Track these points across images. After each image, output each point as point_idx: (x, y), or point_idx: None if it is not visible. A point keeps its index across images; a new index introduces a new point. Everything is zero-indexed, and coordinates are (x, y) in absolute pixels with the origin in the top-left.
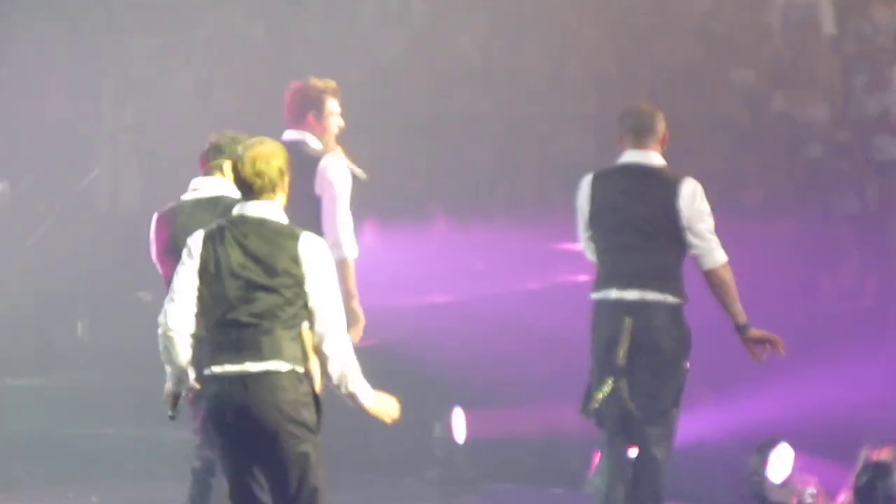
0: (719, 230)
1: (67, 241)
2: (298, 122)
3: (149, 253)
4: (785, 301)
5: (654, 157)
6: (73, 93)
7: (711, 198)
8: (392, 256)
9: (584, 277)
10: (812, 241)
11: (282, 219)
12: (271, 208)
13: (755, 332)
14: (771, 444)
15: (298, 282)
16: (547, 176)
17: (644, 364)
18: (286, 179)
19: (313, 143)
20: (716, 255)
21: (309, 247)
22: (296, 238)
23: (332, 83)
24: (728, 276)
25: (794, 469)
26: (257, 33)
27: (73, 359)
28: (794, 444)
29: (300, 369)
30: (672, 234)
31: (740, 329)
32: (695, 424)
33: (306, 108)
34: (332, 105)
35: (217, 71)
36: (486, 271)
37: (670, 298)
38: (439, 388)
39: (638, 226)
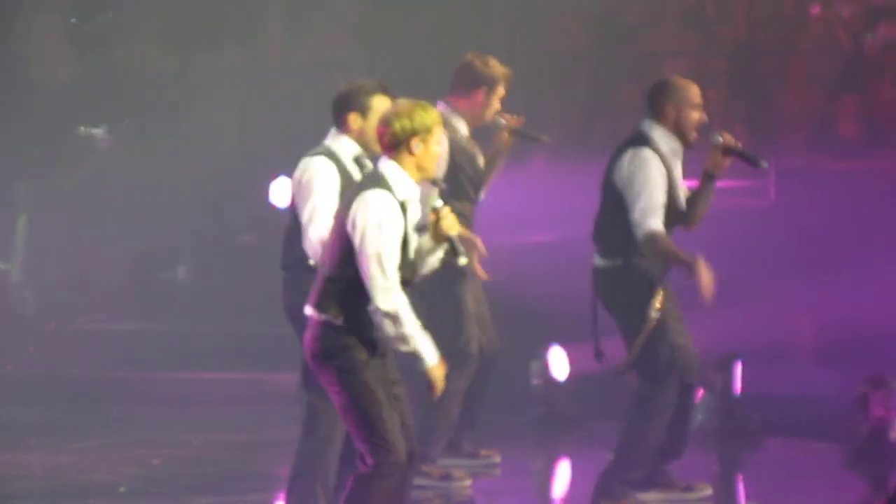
0: (818, 165)
1: (167, 186)
2: (462, 93)
3: (252, 197)
4: (884, 236)
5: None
6: (171, 36)
7: (809, 133)
8: (490, 195)
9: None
10: None
11: (384, 177)
12: (384, 169)
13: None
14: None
15: None
16: (644, 114)
17: None
18: (414, 140)
19: (461, 121)
20: None
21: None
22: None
23: (507, 70)
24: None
25: None
26: None
27: (174, 303)
28: None
29: None
30: None
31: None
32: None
33: (478, 84)
34: (501, 91)
35: (314, 12)
36: (584, 209)
37: None
38: (540, 326)
39: None
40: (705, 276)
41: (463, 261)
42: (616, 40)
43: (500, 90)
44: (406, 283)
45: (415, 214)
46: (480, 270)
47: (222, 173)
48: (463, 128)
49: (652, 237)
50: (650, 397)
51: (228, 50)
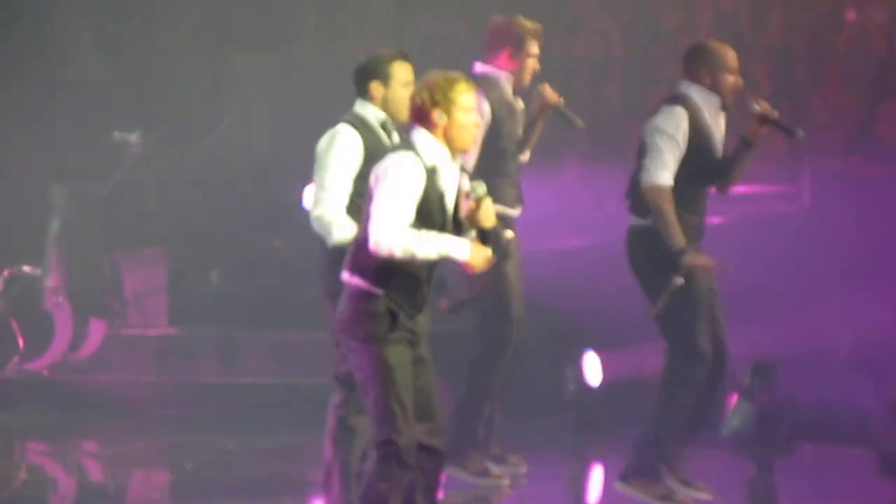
0: (853, 169)
1: (200, 190)
2: (492, 57)
3: (286, 199)
4: None
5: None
6: (204, 43)
7: (846, 136)
8: (524, 201)
9: (716, 220)
10: None
11: (413, 143)
12: (414, 136)
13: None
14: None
15: None
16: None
17: None
18: (435, 112)
19: (503, 80)
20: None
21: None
22: None
23: (535, 24)
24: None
25: None
26: None
27: (210, 307)
28: None
29: None
30: None
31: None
32: None
33: (503, 45)
34: (531, 47)
35: (345, 18)
36: (618, 213)
37: None
38: (573, 331)
39: None
40: (701, 260)
41: (509, 234)
42: (650, 44)
43: (531, 47)
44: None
45: (448, 182)
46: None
47: (256, 177)
48: (507, 88)
49: (656, 189)
50: (674, 371)
51: (261, 53)
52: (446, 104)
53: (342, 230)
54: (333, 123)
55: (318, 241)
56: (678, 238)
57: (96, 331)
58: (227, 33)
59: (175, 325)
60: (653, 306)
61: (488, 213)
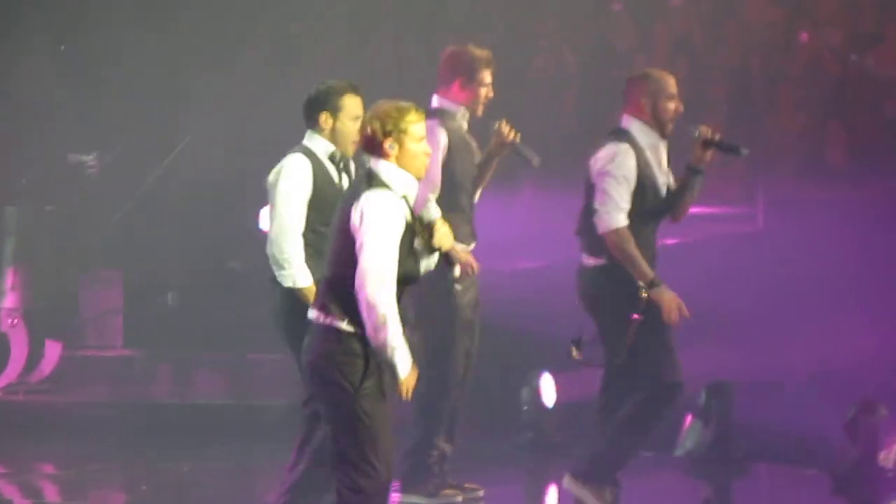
0: (805, 191)
1: (157, 212)
2: (444, 86)
3: (243, 221)
4: (872, 262)
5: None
6: (160, 63)
7: (799, 157)
8: (479, 222)
9: (670, 241)
10: None
11: (378, 176)
12: (377, 168)
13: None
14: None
15: None
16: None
17: None
18: (387, 142)
19: (459, 115)
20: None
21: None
22: None
23: (487, 52)
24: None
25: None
26: (342, 1)
27: (165, 329)
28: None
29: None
30: None
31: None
32: None
33: (456, 75)
34: (484, 76)
35: (302, 39)
36: (573, 235)
37: None
38: (528, 352)
39: None
40: (667, 297)
41: (456, 272)
42: (605, 65)
43: (482, 76)
44: (409, 280)
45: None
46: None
47: (211, 198)
48: (462, 123)
49: (616, 233)
50: (648, 404)
51: (218, 75)
52: (397, 134)
53: (296, 276)
54: (282, 154)
55: (272, 278)
56: (646, 272)
57: (52, 352)
58: (184, 55)
59: (131, 347)
60: (613, 350)
61: (444, 236)
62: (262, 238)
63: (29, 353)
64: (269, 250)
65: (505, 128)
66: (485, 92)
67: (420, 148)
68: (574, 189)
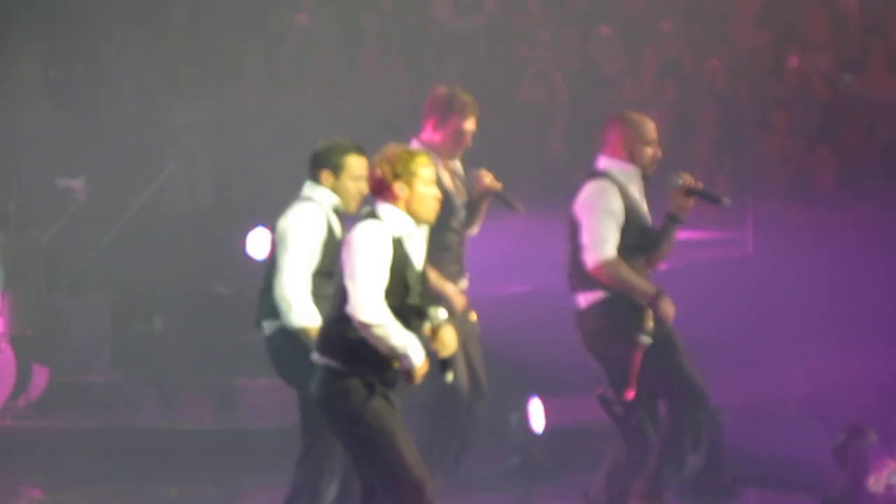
0: (795, 216)
1: (143, 237)
2: (422, 128)
3: (228, 246)
4: (861, 287)
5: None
6: (148, 89)
7: (788, 182)
8: (469, 246)
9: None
10: (889, 227)
11: (378, 214)
12: (378, 209)
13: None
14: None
15: None
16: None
17: None
18: (397, 185)
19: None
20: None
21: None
22: None
23: (473, 101)
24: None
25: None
26: (328, 29)
27: (152, 353)
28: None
29: None
30: None
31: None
32: None
33: (438, 117)
34: (468, 124)
35: (290, 65)
36: (563, 260)
37: None
38: (517, 377)
39: None
40: (665, 306)
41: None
42: (593, 90)
43: (461, 122)
44: (405, 312)
45: (415, 252)
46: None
47: (198, 224)
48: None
49: (607, 263)
50: (679, 421)
51: (204, 101)
52: (408, 176)
53: (301, 316)
54: (267, 180)
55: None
56: (647, 287)
57: (40, 378)
58: (170, 82)
59: (118, 372)
60: (622, 384)
61: (447, 342)
62: (248, 262)
63: (16, 379)
64: (278, 293)
65: (487, 177)
66: (465, 140)
67: (430, 191)
68: (563, 212)
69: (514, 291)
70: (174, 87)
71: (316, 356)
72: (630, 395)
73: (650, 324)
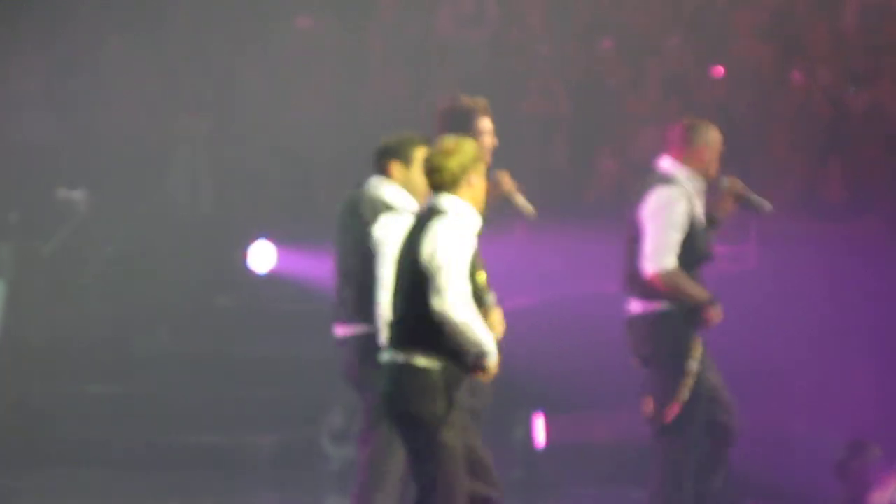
0: (798, 230)
1: (146, 248)
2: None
3: (230, 257)
4: (864, 300)
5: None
6: (150, 101)
7: (793, 196)
8: None
9: None
10: (892, 239)
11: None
12: (446, 204)
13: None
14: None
15: None
16: (625, 178)
17: None
18: (469, 176)
19: None
20: None
21: None
22: None
23: (482, 101)
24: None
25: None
26: (331, 41)
27: (154, 365)
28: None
29: None
30: None
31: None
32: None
33: (454, 129)
34: (484, 124)
35: (292, 77)
36: (565, 274)
37: None
38: (520, 391)
39: None
40: (716, 314)
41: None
42: (597, 104)
43: (481, 124)
44: (480, 302)
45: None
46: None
47: (200, 236)
48: None
49: (667, 274)
50: (679, 458)
51: (206, 111)
52: (475, 164)
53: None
54: (277, 191)
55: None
56: (703, 294)
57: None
58: (172, 95)
59: (120, 383)
60: (667, 401)
61: (496, 326)
62: (249, 275)
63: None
64: (379, 310)
65: (506, 178)
66: (487, 140)
67: (483, 183)
68: (566, 226)
69: (518, 306)
70: (176, 96)
71: (394, 354)
72: (671, 416)
73: (699, 350)
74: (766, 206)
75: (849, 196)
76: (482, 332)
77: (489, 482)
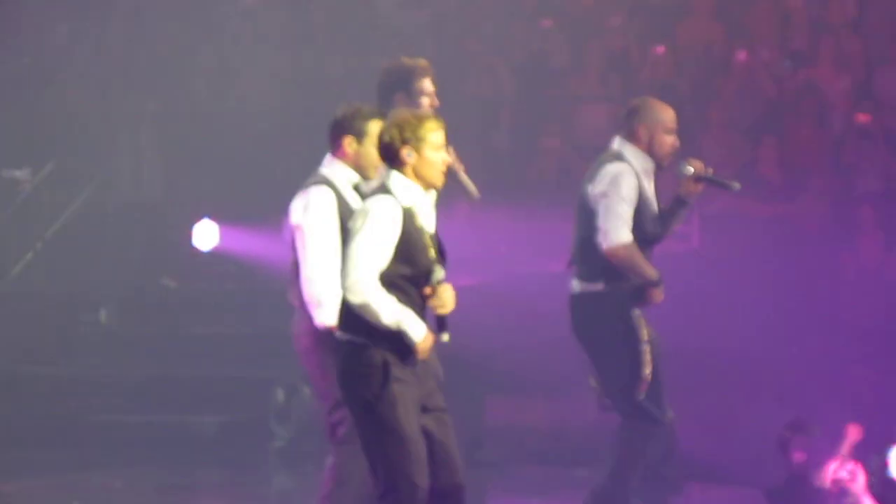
0: (741, 207)
1: (90, 229)
2: (386, 104)
3: (174, 237)
4: (806, 280)
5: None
6: (94, 81)
7: (732, 176)
8: None
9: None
10: (834, 219)
11: (388, 186)
12: (388, 178)
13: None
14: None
15: None
16: (568, 158)
17: None
18: (404, 150)
19: None
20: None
21: None
22: None
23: (422, 61)
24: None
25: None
26: (274, 22)
27: (96, 346)
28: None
29: None
30: None
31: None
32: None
33: (394, 90)
34: (425, 84)
35: (237, 58)
36: (507, 254)
37: None
38: (464, 372)
39: None
40: (659, 295)
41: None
42: (540, 84)
43: (422, 85)
44: (409, 283)
45: (426, 219)
46: None
47: (145, 216)
48: None
49: (624, 247)
50: (638, 433)
51: (152, 93)
52: (416, 142)
53: (328, 315)
54: (222, 171)
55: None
56: (652, 273)
57: None
58: (118, 74)
59: (63, 363)
60: (614, 380)
61: (445, 300)
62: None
63: None
64: (307, 290)
65: (450, 154)
66: (427, 101)
67: (438, 156)
68: (508, 208)
69: (461, 285)
70: (121, 78)
71: (338, 333)
72: (643, 389)
73: (645, 331)
74: (734, 184)
75: (788, 176)
76: (390, 314)
77: (451, 472)
